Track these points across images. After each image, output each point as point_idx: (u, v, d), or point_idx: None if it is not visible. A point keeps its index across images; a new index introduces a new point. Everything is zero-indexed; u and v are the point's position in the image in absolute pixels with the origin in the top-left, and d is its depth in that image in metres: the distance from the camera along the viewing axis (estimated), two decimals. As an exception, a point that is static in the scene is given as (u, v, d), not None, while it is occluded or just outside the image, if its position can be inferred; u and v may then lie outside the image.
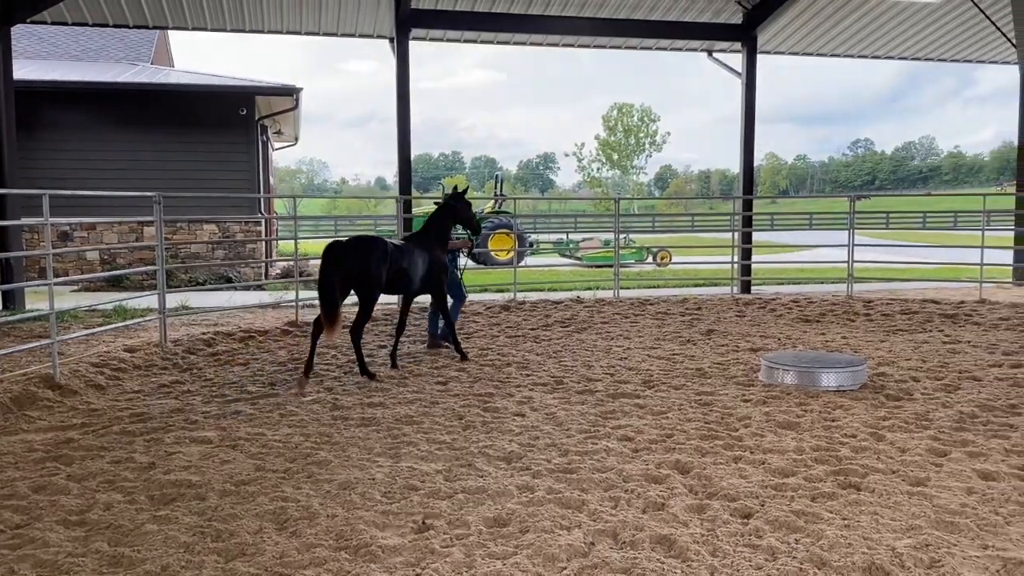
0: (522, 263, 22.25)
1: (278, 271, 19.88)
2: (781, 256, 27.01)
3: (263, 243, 20.16)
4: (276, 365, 8.73)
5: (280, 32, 15.92)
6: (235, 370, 8.50)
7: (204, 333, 10.61)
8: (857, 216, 15.03)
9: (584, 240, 27.89)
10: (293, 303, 12.31)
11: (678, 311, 12.86)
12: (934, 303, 13.21)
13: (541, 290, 16.09)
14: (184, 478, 4.97)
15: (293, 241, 12.61)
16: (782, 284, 17.50)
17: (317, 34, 16.07)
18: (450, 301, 9.72)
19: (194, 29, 15.60)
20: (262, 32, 15.86)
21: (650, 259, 25.72)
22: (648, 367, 8.41)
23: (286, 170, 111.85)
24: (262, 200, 20.41)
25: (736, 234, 15.72)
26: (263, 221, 19.81)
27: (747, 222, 16.78)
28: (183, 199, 16.68)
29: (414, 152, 15.22)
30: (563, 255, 26.87)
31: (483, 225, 25.23)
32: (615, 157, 78.55)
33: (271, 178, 25.56)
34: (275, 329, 10.97)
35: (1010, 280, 16.29)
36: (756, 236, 33.92)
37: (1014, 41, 16.57)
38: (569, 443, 5.66)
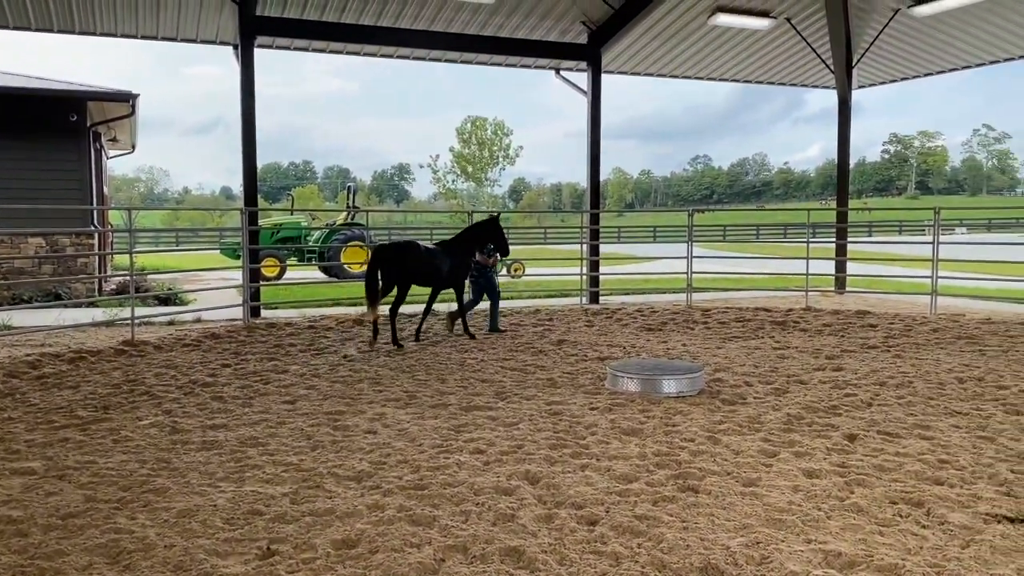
0: None
1: (113, 287, 18.76)
2: (627, 267, 28.00)
3: (96, 257, 18.98)
4: (110, 387, 8.23)
5: (114, 35, 15.07)
6: (64, 394, 7.95)
7: (29, 355, 9.87)
8: (696, 229, 15.84)
9: None
10: (129, 320, 11.65)
11: (531, 322, 13.09)
12: (765, 311, 14.03)
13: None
14: (3, 514, 4.61)
15: (129, 255, 11.95)
16: (628, 294, 18.19)
17: (155, 38, 15.33)
18: (481, 304, 12.59)
19: (16, 28, 14.53)
20: (94, 34, 14.98)
21: (504, 271, 26.04)
22: (501, 379, 8.50)
23: (123, 179, 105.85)
24: (95, 211, 19.22)
25: (584, 246, 16.17)
26: (96, 234, 18.65)
27: (595, 235, 17.27)
28: (5, 210, 15.48)
29: (263, 161, 14.78)
30: None
31: (335, 237, 24.76)
32: (470, 169, 79.11)
33: (105, 188, 24.13)
34: (109, 349, 10.35)
35: (832, 288, 17.56)
36: (604, 248, 34.98)
37: (832, 69, 17.93)
38: (421, 459, 5.64)
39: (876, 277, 18.32)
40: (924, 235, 48.90)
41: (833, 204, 20.83)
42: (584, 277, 16.16)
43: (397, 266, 10.62)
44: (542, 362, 9.50)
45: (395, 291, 10.86)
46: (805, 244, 15.49)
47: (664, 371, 7.71)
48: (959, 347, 10.28)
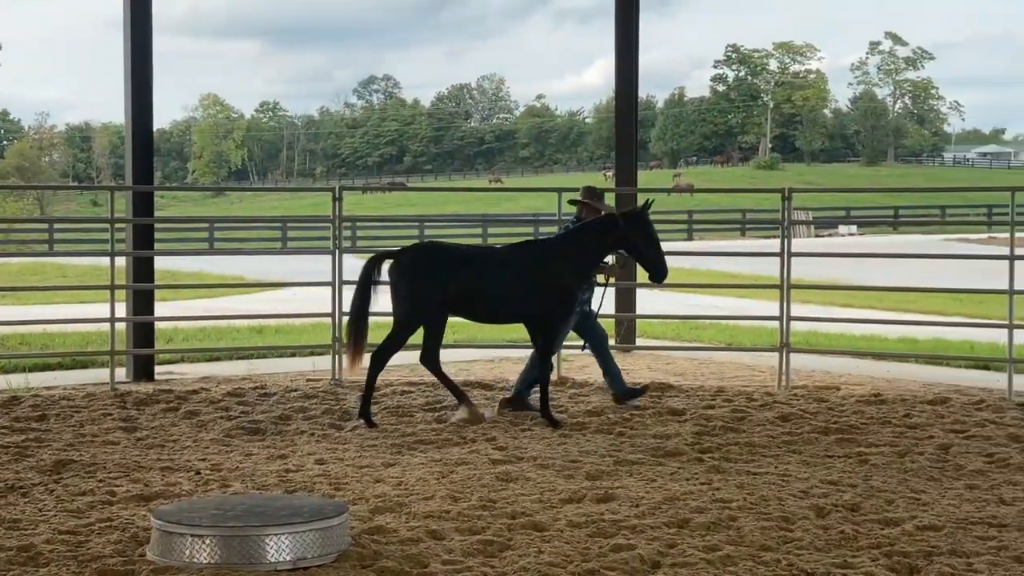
0: None
1: None
2: (223, 301, 17.10)
3: None
4: None
5: None
6: None
7: None
8: (350, 225, 10.52)
9: None
10: None
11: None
12: (484, 388, 8.86)
13: None
14: None
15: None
16: (218, 358, 10.86)
17: None
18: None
19: None
20: None
21: None
22: None
23: None
24: None
25: (123, 261, 9.53)
26: None
27: (146, 238, 9.79)
28: None
29: None
30: None
31: None
32: None
33: None
34: None
35: (613, 341, 10.13)
36: (176, 264, 21.23)
37: None
38: None
39: (691, 319, 12.61)
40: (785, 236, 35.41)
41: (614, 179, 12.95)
42: (123, 326, 9.54)
43: (422, 281, 7.15)
44: (12, 511, 5.28)
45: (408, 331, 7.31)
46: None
47: (268, 518, 4.53)
48: (823, 449, 6.77)
